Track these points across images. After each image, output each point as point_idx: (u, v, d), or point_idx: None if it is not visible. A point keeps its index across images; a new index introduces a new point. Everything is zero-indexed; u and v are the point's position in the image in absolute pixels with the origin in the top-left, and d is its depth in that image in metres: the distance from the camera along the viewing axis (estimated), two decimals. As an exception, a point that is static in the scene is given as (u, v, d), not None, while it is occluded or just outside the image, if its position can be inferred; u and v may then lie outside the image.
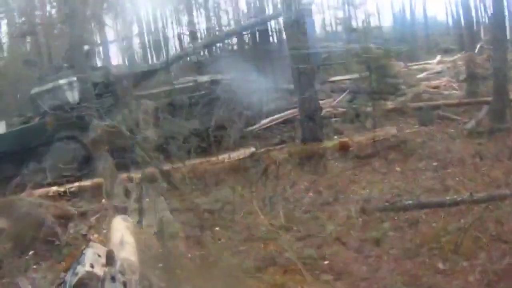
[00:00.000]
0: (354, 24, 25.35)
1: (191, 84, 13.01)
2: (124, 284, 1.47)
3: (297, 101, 12.89)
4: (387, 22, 34.70)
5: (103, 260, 1.55)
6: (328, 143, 13.15)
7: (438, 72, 18.79)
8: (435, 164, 11.35)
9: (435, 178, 10.46)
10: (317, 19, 27.65)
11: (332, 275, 6.76)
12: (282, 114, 14.90)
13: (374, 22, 34.75)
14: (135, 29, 29.86)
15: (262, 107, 15.47)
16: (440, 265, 7.17)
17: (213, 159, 11.57)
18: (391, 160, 11.79)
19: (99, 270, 1.48)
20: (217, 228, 8.31)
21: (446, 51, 21.95)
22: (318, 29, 27.92)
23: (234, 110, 13.45)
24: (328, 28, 28.71)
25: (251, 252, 7.40)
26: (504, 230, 7.74)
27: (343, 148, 12.56)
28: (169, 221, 7.51)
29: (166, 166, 10.71)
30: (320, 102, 14.31)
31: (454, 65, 18.02)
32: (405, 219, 8.52)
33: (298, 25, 11.33)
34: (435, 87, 17.46)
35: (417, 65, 21.58)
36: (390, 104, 15.58)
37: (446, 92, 16.77)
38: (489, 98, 13.99)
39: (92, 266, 1.52)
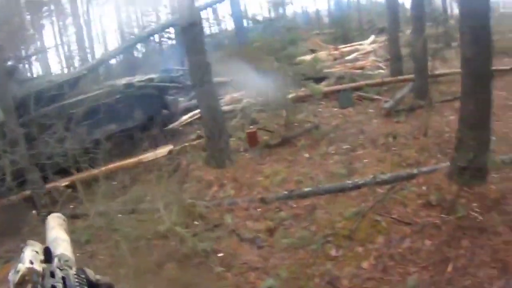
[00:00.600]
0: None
1: (108, 88, 12.54)
2: (63, 278, 1.31)
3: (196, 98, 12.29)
4: (323, 6, 33.92)
5: (41, 256, 1.38)
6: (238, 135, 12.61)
7: (369, 52, 17.53)
8: (345, 147, 10.83)
9: (342, 162, 9.96)
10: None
11: (223, 267, 6.78)
12: None
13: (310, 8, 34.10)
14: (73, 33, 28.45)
15: (182, 103, 15.49)
16: (333, 252, 6.87)
17: (131, 160, 11.51)
18: (302, 147, 11.22)
19: (38, 266, 1.31)
20: (126, 228, 8.08)
21: (382, 31, 20.84)
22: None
23: (153, 110, 13.17)
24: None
25: (151, 249, 7.45)
26: (407, 212, 7.36)
27: (252, 138, 11.80)
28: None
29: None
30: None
31: (384, 44, 16.71)
32: (304, 207, 8.20)
33: (193, 26, 10.35)
34: (360, 68, 16.29)
35: (350, 46, 20.44)
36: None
37: (371, 72, 15.69)
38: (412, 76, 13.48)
39: (31, 263, 1.31)
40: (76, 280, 1.35)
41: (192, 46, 10.53)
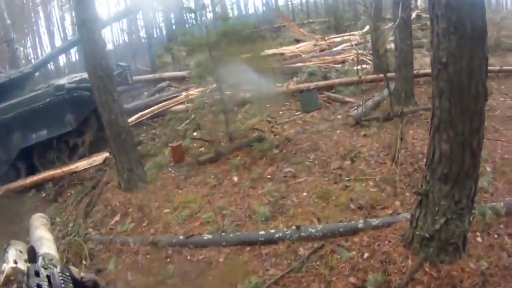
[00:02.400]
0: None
1: (46, 89, 11.04)
2: (48, 277, 1.36)
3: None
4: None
5: (25, 256, 1.43)
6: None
7: (358, 45, 14.24)
8: (287, 170, 7.80)
9: (273, 194, 7.03)
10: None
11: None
12: (153, 108, 12.76)
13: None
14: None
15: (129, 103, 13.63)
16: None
17: (61, 170, 10.14)
18: (234, 166, 8.34)
19: (22, 266, 1.36)
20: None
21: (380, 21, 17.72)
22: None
23: (86, 113, 11.20)
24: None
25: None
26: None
27: (176, 154, 9.23)
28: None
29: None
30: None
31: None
32: (197, 262, 6.03)
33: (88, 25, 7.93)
34: (341, 62, 13.17)
35: (340, 37, 17.41)
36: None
37: (350, 68, 12.48)
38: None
39: (15, 262, 1.36)
40: (61, 278, 1.33)
41: (89, 45, 7.99)
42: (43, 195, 10.02)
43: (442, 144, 4.09)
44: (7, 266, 1.25)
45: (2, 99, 10.95)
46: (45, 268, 1.34)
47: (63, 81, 11.47)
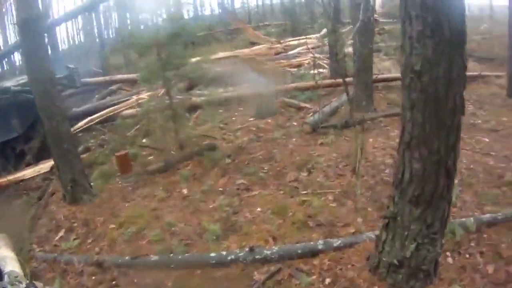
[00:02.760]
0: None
1: None
2: None
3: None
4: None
5: None
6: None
7: (315, 48, 13.82)
8: (240, 182, 7.23)
9: (224, 209, 6.47)
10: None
11: None
12: (102, 112, 11.97)
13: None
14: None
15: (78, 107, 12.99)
16: None
17: (4, 179, 9.35)
18: (183, 177, 7.73)
19: None
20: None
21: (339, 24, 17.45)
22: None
23: (33, 118, 10.09)
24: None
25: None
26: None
27: (122, 164, 8.47)
28: None
29: None
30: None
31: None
32: (147, 284, 5.33)
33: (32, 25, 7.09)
34: (297, 66, 12.73)
35: (296, 40, 17.00)
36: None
37: (310, 72, 11.96)
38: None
39: None
40: None
41: (29, 47, 7.19)
42: None
43: (413, 163, 3.62)
44: None
45: None
46: (12, 285, 1.40)
47: (9, 83, 10.70)
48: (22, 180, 9.50)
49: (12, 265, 2.16)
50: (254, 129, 9.38)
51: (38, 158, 10.13)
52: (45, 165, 9.76)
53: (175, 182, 7.63)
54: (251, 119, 10.08)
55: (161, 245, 5.86)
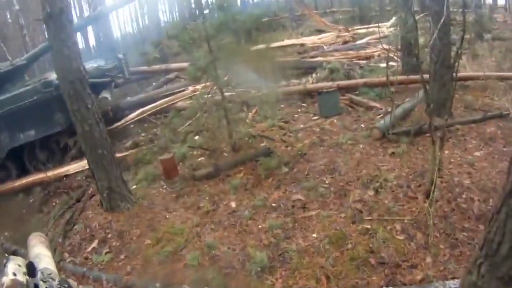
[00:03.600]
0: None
1: (34, 86, 9.62)
2: None
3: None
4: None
5: (24, 269, 1.52)
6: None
7: (384, 37, 12.51)
8: (296, 198, 6.23)
9: (275, 231, 5.62)
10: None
11: None
12: (155, 104, 11.11)
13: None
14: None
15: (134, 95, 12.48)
16: None
17: (50, 174, 9.15)
18: (233, 187, 6.85)
19: (21, 278, 1.45)
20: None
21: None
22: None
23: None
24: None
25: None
26: None
27: (167, 169, 7.53)
28: None
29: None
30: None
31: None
32: None
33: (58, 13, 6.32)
34: (366, 58, 11.59)
35: (365, 28, 15.87)
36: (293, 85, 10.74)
37: (376, 65, 10.76)
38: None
39: (14, 274, 1.47)
40: None
41: (56, 44, 6.41)
42: (31, 200, 9.00)
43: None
44: (7, 279, 1.27)
45: None
46: (44, 281, 1.35)
47: (53, 76, 10.18)
48: (66, 176, 9.20)
49: (47, 262, 1.72)
50: (317, 130, 8.33)
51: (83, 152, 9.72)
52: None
53: (223, 192, 6.80)
54: (315, 117, 9.05)
55: (197, 273, 5.14)
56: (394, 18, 16.09)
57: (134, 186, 7.82)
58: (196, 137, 8.92)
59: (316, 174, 6.63)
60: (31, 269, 1.56)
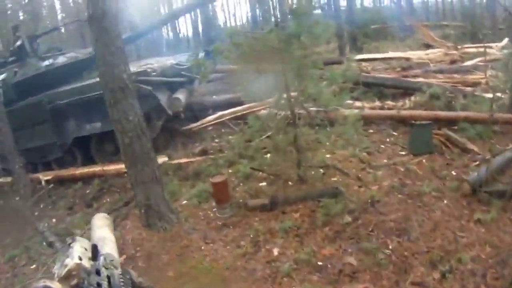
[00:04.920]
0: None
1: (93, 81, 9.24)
2: (108, 277, 1.35)
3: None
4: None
5: (89, 254, 1.45)
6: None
7: (495, 60, 10.73)
8: (346, 261, 5.16)
9: None
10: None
11: None
12: (235, 109, 10.29)
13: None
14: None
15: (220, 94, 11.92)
16: None
17: (111, 167, 9.13)
18: (283, 229, 5.83)
19: (87, 263, 1.38)
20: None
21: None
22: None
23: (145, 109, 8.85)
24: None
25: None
26: None
27: (219, 192, 6.59)
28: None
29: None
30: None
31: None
32: None
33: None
34: (472, 85, 9.96)
35: (475, 47, 14.12)
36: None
37: (486, 95, 9.05)
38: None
39: (80, 259, 1.39)
40: (121, 280, 1.31)
41: (99, 48, 5.89)
42: (87, 191, 8.80)
43: None
44: (72, 261, 1.21)
45: (65, 81, 9.94)
46: (106, 268, 1.27)
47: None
48: (125, 172, 8.49)
49: (110, 248, 1.47)
50: (401, 169, 7.06)
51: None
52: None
53: (271, 232, 5.83)
54: (402, 152, 7.79)
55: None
56: (506, 39, 14.13)
57: (184, 202, 7.11)
58: (268, 155, 7.74)
59: (382, 233, 5.43)
60: (94, 253, 1.44)
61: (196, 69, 9.40)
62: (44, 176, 9.41)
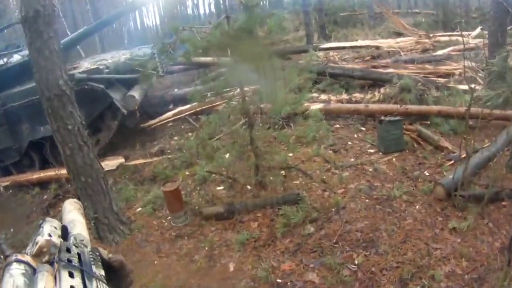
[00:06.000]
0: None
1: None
2: (79, 254, 1.30)
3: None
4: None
5: (59, 232, 1.37)
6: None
7: (470, 50, 10.18)
8: (308, 278, 4.60)
9: None
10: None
11: None
12: (193, 104, 9.49)
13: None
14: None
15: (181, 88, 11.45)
16: None
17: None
18: (241, 242, 5.31)
19: (56, 239, 1.30)
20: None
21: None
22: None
23: (99, 109, 8.89)
24: None
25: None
26: None
27: (171, 200, 6.07)
28: None
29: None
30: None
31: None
32: None
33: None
34: (446, 74, 9.46)
35: (447, 36, 13.84)
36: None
37: (461, 87, 8.53)
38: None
39: (49, 235, 1.30)
40: (91, 256, 1.28)
41: (33, 51, 5.20)
42: (45, 197, 8.22)
43: None
44: (42, 238, 1.16)
45: (19, 82, 9.07)
46: (76, 247, 1.23)
47: (82, 67, 9.16)
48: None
49: (80, 229, 1.37)
50: (370, 170, 6.52)
51: (107, 152, 8.83)
52: (112, 162, 8.30)
53: (227, 244, 5.30)
54: (371, 150, 7.23)
55: None
56: (479, 28, 13.74)
57: (139, 209, 6.53)
58: (227, 155, 7.11)
59: (347, 245, 4.88)
60: (64, 233, 1.39)
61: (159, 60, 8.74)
62: (1, 182, 8.98)
